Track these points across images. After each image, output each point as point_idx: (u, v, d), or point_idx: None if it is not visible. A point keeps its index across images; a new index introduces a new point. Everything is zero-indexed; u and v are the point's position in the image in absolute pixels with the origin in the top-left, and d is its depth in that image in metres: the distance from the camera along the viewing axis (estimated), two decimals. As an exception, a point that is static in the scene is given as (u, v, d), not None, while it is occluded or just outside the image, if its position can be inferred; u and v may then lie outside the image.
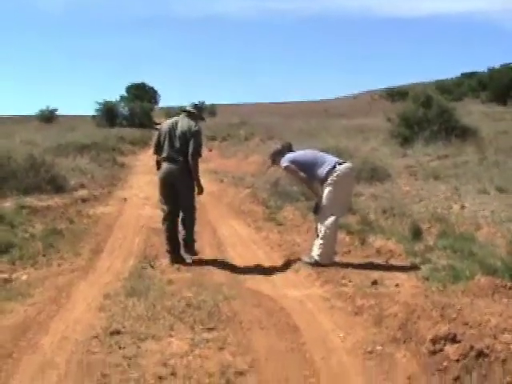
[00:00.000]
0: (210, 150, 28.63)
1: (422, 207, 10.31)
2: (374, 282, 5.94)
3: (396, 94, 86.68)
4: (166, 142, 7.50)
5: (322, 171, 7.34)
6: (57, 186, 13.15)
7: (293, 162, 7.58)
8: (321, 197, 7.34)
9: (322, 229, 7.26)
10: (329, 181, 7.26)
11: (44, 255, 7.81)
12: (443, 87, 69.49)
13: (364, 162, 14.45)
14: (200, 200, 13.91)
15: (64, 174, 14.37)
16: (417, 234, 8.32)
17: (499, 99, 60.59)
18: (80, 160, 19.32)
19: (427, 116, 20.97)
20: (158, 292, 5.89)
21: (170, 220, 7.74)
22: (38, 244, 8.28)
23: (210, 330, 4.93)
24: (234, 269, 7.33)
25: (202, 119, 8.19)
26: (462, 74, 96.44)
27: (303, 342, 4.73)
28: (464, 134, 20.21)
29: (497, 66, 72.63)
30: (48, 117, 59.70)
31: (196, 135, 7.46)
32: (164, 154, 7.54)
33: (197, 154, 7.47)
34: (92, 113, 51.40)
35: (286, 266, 7.37)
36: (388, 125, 23.07)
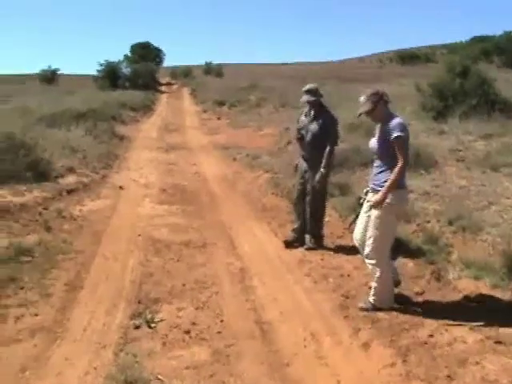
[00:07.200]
0: (219, 118, 26.40)
1: (495, 216, 7.99)
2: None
3: (407, 57, 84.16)
4: None
5: None
6: (39, 172, 10.82)
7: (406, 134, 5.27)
8: None
9: (376, 270, 5.37)
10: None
11: (-1, 297, 5.59)
12: (455, 51, 66.90)
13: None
14: (211, 187, 11.89)
15: (49, 156, 11.96)
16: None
17: (517, 64, 58.28)
18: (74, 131, 16.98)
19: (464, 87, 18.53)
20: None
21: None
22: (-6, 275, 6.04)
23: None
24: (267, 333, 5.00)
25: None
26: (474, 38, 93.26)
27: None
28: (507, 108, 17.81)
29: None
30: (49, 77, 58.01)
31: None
32: None
33: None
34: (95, 73, 48.98)
35: (343, 325, 5.10)
36: (408, 93, 20.56)
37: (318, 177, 7.32)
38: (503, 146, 13.28)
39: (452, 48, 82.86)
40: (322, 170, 7.28)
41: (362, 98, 5.41)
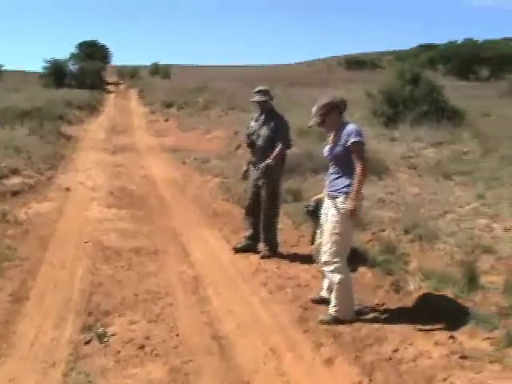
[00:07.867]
0: (167, 120, 26.03)
1: (451, 224, 7.97)
2: None
3: (354, 63, 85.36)
4: None
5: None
6: (-19, 173, 10.39)
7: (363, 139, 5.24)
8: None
9: (335, 279, 5.26)
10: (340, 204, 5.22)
11: None
12: (402, 58, 68.35)
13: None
14: (160, 191, 11.57)
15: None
16: (472, 277, 5.94)
17: (461, 73, 60.12)
18: (19, 130, 16.44)
19: (413, 94, 18.71)
20: None
21: None
22: None
23: None
24: (225, 348, 4.75)
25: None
26: (420, 46, 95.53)
27: None
28: (454, 116, 18.05)
29: (459, 39, 72.04)
30: (-8, 73, 56.89)
31: None
32: None
33: None
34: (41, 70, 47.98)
35: (303, 338, 4.92)
36: (357, 98, 20.67)
37: (262, 166, 7.12)
38: (453, 154, 13.42)
39: (398, 55, 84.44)
40: (268, 160, 7.08)
41: (314, 109, 5.34)
